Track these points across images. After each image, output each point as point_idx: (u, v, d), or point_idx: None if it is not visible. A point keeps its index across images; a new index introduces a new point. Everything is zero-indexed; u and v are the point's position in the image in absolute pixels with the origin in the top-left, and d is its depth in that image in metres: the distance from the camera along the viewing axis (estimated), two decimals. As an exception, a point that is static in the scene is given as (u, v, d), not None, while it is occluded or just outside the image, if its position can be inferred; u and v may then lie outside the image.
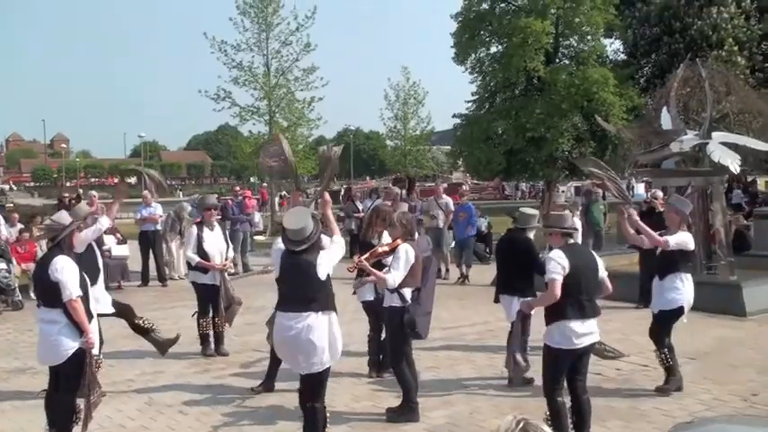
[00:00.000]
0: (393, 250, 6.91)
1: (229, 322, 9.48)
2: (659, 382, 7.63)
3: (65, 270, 5.99)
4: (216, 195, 17.54)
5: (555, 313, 5.84)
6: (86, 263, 7.82)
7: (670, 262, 7.61)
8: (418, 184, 44.01)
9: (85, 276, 6.31)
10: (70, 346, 5.98)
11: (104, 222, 8.12)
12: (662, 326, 7.68)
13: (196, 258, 9.31)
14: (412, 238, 7.08)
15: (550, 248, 6.28)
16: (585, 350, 5.95)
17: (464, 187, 28.00)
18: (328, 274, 5.73)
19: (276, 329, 5.91)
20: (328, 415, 6.03)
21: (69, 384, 6.10)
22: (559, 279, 5.74)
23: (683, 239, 7.56)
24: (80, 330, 6.00)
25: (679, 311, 7.60)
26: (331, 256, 5.81)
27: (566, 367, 5.88)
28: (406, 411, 6.84)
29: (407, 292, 6.86)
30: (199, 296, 9.49)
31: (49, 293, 6.04)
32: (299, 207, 6.49)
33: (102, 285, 8.12)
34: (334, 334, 5.75)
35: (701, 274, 12.78)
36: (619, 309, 11.31)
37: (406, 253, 6.81)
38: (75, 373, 6.05)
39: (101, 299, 7.89)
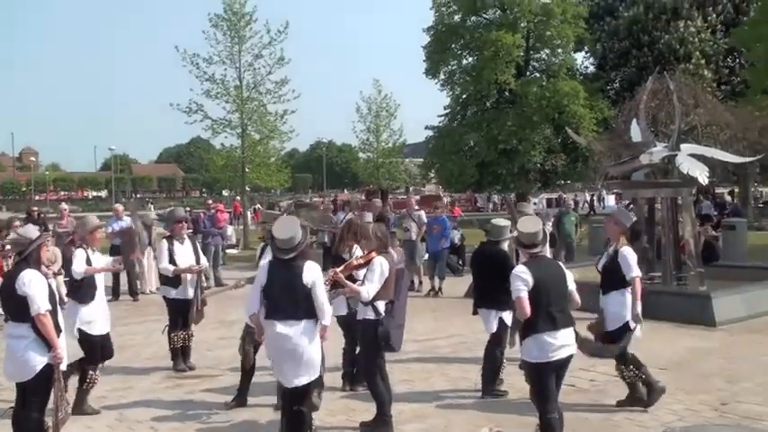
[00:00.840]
0: (368, 263, 6.90)
1: (195, 322, 9.37)
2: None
3: (32, 284, 5.90)
4: (187, 208, 17.42)
5: (527, 327, 5.84)
6: (85, 280, 7.79)
7: (611, 278, 7.47)
8: (391, 197, 44.02)
9: (54, 291, 6.23)
10: (38, 361, 5.89)
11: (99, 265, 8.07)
12: (609, 342, 7.45)
13: (171, 268, 9.21)
14: (386, 250, 7.08)
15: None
16: (563, 363, 5.93)
17: (444, 200, 28.03)
18: (314, 283, 5.81)
19: (270, 340, 5.87)
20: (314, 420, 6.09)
21: (36, 401, 6.00)
22: (524, 295, 5.73)
23: (627, 259, 7.37)
24: (48, 345, 5.91)
25: (625, 327, 7.39)
26: (319, 273, 5.91)
27: (551, 381, 5.84)
28: (380, 425, 6.81)
29: (381, 305, 6.84)
30: (170, 310, 9.40)
31: (17, 308, 5.95)
32: (287, 216, 6.67)
33: (104, 302, 8.06)
34: (319, 343, 5.95)
35: (671, 285, 12.93)
36: (591, 320, 11.34)
37: (381, 265, 6.80)
38: (42, 389, 5.98)
39: (100, 319, 7.84)
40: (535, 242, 6.01)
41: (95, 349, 7.76)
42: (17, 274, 5.99)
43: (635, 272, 7.31)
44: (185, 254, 9.38)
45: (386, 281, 6.83)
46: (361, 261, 7.04)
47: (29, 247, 6.14)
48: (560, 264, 6.30)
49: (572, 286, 6.08)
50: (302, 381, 5.85)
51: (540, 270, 5.86)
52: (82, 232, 8.24)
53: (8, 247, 7.26)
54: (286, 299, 5.76)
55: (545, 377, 5.85)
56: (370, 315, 6.81)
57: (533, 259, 5.99)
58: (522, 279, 5.78)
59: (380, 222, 9.75)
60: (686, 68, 34.50)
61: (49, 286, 6.10)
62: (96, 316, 7.81)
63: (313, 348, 5.83)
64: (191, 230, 15.64)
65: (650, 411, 7.25)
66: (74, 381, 7.73)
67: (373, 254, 6.95)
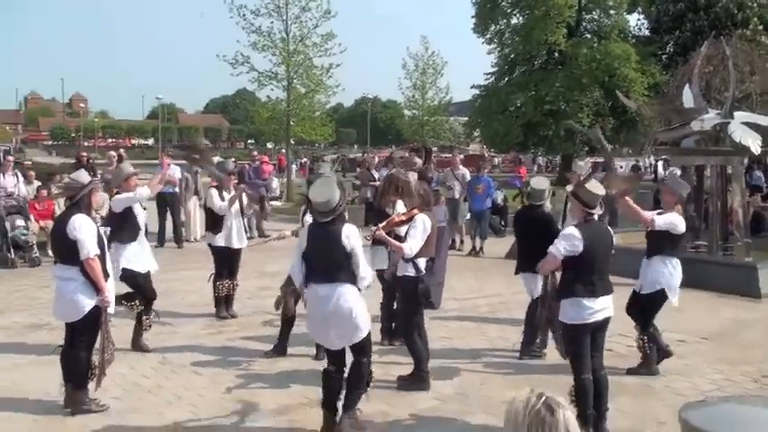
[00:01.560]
0: (410, 219, 6.91)
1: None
2: (670, 360, 7.59)
3: (82, 228, 6.06)
4: (233, 159, 17.53)
5: (566, 291, 5.84)
6: (128, 222, 7.92)
7: (656, 243, 7.42)
8: (435, 155, 43.87)
9: (103, 236, 6.37)
10: (86, 303, 6.07)
11: (143, 193, 8.20)
12: (644, 308, 7.49)
13: (224, 204, 9.40)
14: (429, 208, 7.09)
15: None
16: (600, 325, 5.91)
17: (495, 160, 27.67)
18: (353, 247, 5.65)
19: (311, 304, 5.77)
20: (372, 370, 6.09)
21: (84, 340, 6.20)
22: (560, 257, 5.76)
23: (672, 221, 7.31)
24: (96, 289, 6.07)
25: (660, 295, 7.38)
26: (357, 236, 5.77)
27: (586, 342, 5.84)
28: (417, 380, 6.89)
29: (422, 262, 6.87)
30: (216, 259, 9.56)
31: (67, 251, 6.12)
32: (324, 178, 6.45)
33: (146, 244, 8.24)
34: (363, 304, 5.78)
35: (717, 255, 12.75)
36: (631, 286, 11.28)
37: (423, 222, 6.81)
38: (90, 329, 6.18)
39: (144, 257, 8.02)
40: (596, 204, 5.94)
41: (142, 286, 7.94)
42: (68, 219, 6.13)
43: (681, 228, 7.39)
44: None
45: (428, 238, 6.85)
46: (403, 218, 7.05)
47: (80, 192, 6.28)
48: (609, 229, 6.21)
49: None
50: (345, 343, 5.76)
51: (592, 234, 5.80)
52: (117, 180, 8.36)
53: (58, 191, 7.42)
54: (326, 262, 5.64)
55: (581, 338, 5.84)
56: (411, 272, 6.85)
57: (586, 222, 5.89)
58: (571, 243, 5.72)
59: (422, 180, 9.76)
60: (743, 34, 33.42)
61: (98, 231, 6.25)
62: (140, 254, 7.98)
63: (357, 310, 5.65)
64: (236, 182, 15.83)
65: (689, 380, 7.23)
66: (126, 321, 7.93)
67: (415, 211, 6.96)
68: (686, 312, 9.92)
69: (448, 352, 8.04)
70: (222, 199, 9.45)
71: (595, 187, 5.98)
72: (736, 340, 8.83)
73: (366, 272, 5.80)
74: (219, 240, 9.44)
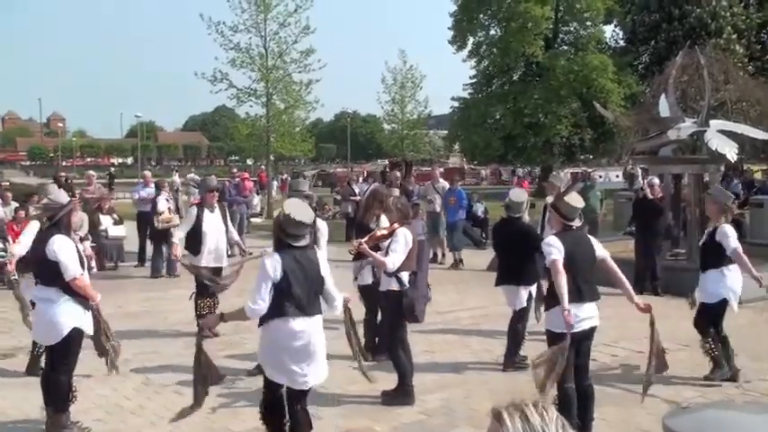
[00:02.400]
0: (391, 234, 6.93)
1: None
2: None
3: (63, 249, 6.03)
4: (214, 176, 17.49)
5: (553, 298, 5.86)
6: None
7: (710, 256, 7.66)
8: (415, 168, 43.97)
9: (83, 255, 6.37)
10: (65, 325, 6.03)
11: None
12: (703, 317, 7.75)
13: (180, 235, 9.58)
14: (408, 221, 7.11)
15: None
16: (586, 334, 5.94)
17: (482, 173, 27.81)
18: (327, 272, 5.40)
19: (282, 339, 5.16)
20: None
21: (65, 363, 6.13)
22: (559, 258, 5.74)
23: (726, 233, 7.53)
24: (83, 304, 6.12)
25: (722, 304, 7.65)
26: (325, 257, 5.55)
27: (571, 352, 5.87)
28: (401, 395, 6.88)
29: (405, 276, 6.88)
30: (196, 278, 9.51)
31: (47, 271, 6.09)
32: (296, 199, 6.06)
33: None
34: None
35: (696, 262, 12.82)
36: (614, 295, 11.32)
37: (405, 236, 6.83)
38: (70, 352, 6.12)
39: None
40: (575, 217, 6.00)
41: None
42: (48, 239, 6.10)
43: (734, 244, 7.48)
44: (215, 222, 9.50)
45: (409, 252, 6.87)
46: (385, 232, 7.07)
47: (59, 212, 6.24)
48: (589, 236, 6.27)
49: (603, 253, 6.09)
50: (317, 380, 5.38)
51: (571, 242, 5.86)
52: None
53: (36, 212, 7.39)
54: (305, 292, 5.18)
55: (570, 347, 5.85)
56: (394, 286, 6.85)
57: (564, 231, 5.97)
58: (555, 247, 5.79)
59: (402, 194, 9.80)
60: (717, 43, 33.87)
61: (78, 251, 6.22)
62: None
63: (323, 344, 5.35)
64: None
65: (672, 387, 7.26)
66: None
67: (396, 225, 6.98)
68: (667, 320, 9.95)
69: (431, 365, 8.03)
70: (202, 217, 9.39)
71: (574, 200, 6.03)
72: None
73: (339, 295, 5.56)
74: (199, 260, 9.39)
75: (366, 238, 7.03)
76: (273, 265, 5.14)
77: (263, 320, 5.21)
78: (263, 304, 5.08)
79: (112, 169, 19.28)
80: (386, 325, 7.24)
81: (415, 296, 6.88)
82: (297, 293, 5.14)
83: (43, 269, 6.15)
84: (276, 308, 5.12)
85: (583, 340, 5.95)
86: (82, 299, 6.15)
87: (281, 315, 5.13)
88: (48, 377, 6.18)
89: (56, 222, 6.24)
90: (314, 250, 5.44)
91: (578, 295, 5.81)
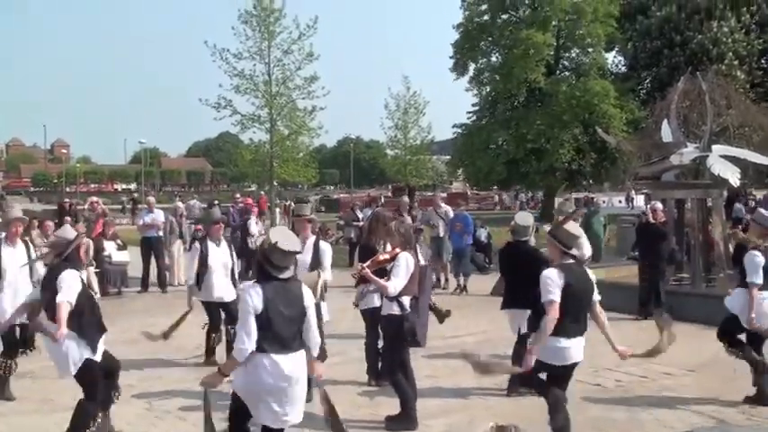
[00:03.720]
0: (393, 258, 6.94)
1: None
2: (657, 393, 7.65)
3: (66, 279, 6.04)
4: (216, 201, 17.56)
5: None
6: None
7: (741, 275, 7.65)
8: (418, 194, 44.04)
9: (93, 296, 6.43)
10: (77, 357, 6.07)
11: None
12: (752, 340, 7.71)
13: (191, 275, 9.30)
14: (410, 246, 7.12)
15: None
16: (572, 368, 6.01)
17: (496, 197, 27.91)
18: (309, 306, 5.15)
19: (261, 375, 4.91)
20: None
21: (87, 393, 6.18)
22: (557, 300, 5.69)
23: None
24: (94, 335, 6.13)
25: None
26: (309, 291, 5.31)
27: (567, 380, 5.94)
28: (404, 419, 6.85)
29: (406, 301, 6.89)
30: (209, 312, 9.38)
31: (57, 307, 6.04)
32: (283, 227, 6.08)
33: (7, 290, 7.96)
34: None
35: (700, 287, 12.83)
36: (618, 320, 11.32)
37: (406, 261, 6.85)
38: (89, 382, 6.16)
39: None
40: (573, 245, 6.00)
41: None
42: (57, 274, 6.10)
43: (752, 278, 7.40)
44: (221, 256, 9.32)
45: (411, 276, 6.87)
46: (387, 256, 7.08)
47: (67, 248, 6.27)
48: (589, 271, 6.20)
49: (597, 297, 6.05)
50: (295, 419, 5.15)
51: (572, 276, 5.82)
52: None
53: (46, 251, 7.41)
54: (285, 326, 4.94)
55: (552, 375, 5.95)
56: (396, 310, 6.86)
57: (565, 264, 5.90)
58: (555, 283, 5.72)
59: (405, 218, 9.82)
60: (719, 69, 34.06)
61: (83, 285, 6.24)
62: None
63: (305, 381, 5.19)
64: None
65: (676, 412, 7.23)
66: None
67: (397, 250, 6.99)
68: (672, 345, 9.94)
69: (435, 391, 8.01)
70: (207, 252, 9.28)
71: (573, 228, 6.04)
72: (722, 372, 8.83)
73: (318, 335, 5.30)
74: (202, 294, 9.29)
75: (369, 262, 7.04)
76: (254, 297, 4.90)
77: None
78: (249, 343, 4.85)
79: (135, 194, 19.67)
80: (387, 350, 7.23)
81: (416, 320, 6.89)
82: (279, 328, 4.90)
83: (53, 305, 6.07)
84: (257, 343, 4.88)
85: (570, 372, 6.01)
86: (93, 330, 6.18)
87: (262, 350, 4.89)
88: (79, 403, 6.22)
89: (65, 258, 6.25)
90: (298, 282, 5.20)
91: (575, 331, 5.82)
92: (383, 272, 7.15)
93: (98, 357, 6.25)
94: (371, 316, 8.02)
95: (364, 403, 7.62)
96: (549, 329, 5.68)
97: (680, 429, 6.73)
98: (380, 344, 7.79)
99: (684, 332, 10.50)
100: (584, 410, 7.22)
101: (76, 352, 6.05)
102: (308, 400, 7.27)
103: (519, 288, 7.92)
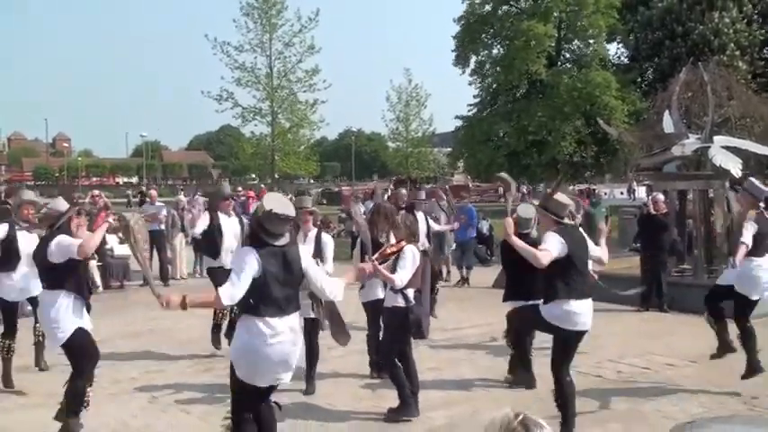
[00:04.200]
0: (399, 251, 6.94)
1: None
2: (659, 384, 7.67)
3: (62, 242, 6.14)
4: (227, 183, 17.60)
5: (555, 293, 6.01)
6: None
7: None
8: (418, 186, 44.03)
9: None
10: (68, 327, 6.10)
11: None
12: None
13: (197, 231, 9.53)
14: (415, 239, 7.14)
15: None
16: (581, 334, 6.16)
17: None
18: (308, 264, 5.15)
19: (259, 338, 4.91)
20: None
21: (77, 367, 6.18)
22: (554, 253, 5.86)
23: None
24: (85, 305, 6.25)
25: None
26: (310, 257, 5.32)
27: (574, 348, 6.04)
28: (404, 408, 6.85)
29: (411, 293, 6.91)
30: (215, 283, 9.36)
31: (51, 274, 6.21)
32: (276, 194, 6.08)
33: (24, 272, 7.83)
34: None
35: (702, 278, 12.82)
36: (619, 312, 11.35)
37: (412, 253, 6.87)
38: (78, 354, 6.18)
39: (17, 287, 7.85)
40: (565, 214, 6.21)
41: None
42: (48, 242, 6.23)
43: (742, 238, 7.44)
44: (231, 226, 9.46)
45: (415, 269, 6.89)
46: (394, 249, 7.07)
47: (59, 219, 6.38)
48: (582, 232, 6.48)
49: (595, 251, 6.38)
50: (287, 379, 5.22)
51: (570, 239, 6.03)
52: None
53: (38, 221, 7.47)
54: (281, 289, 4.93)
55: (571, 345, 6.16)
56: (401, 302, 6.87)
57: (562, 228, 6.11)
58: (560, 242, 5.92)
59: (410, 211, 9.84)
60: (720, 60, 33.96)
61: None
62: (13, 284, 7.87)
63: (302, 341, 5.25)
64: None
65: (678, 403, 7.24)
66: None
67: (403, 242, 7.00)
68: (674, 336, 9.97)
69: (438, 382, 8.03)
70: (217, 221, 9.36)
71: (562, 198, 6.21)
72: (724, 362, 8.83)
73: (335, 283, 5.31)
74: (217, 262, 9.26)
75: (377, 255, 7.05)
76: (251, 257, 4.85)
77: (238, 318, 5.10)
78: (238, 291, 4.80)
79: (144, 188, 19.71)
80: (388, 341, 7.23)
81: (421, 312, 6.92)
82: (275, 292, 4.88)
83: (47, 272, 6.24)
84: (252, 307, 4.89)
85: (579, 339, 6.17)
86: (84, 293, 6.28)
87: (258, 314, 4.88)
88: (69, 381, 6.21)
89: (58, 228, 6.35)
90: (296, 246, 5.19)
91: (580, 293, 6.00)
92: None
93: (88, 326, 6.29)
94: (373, 308, 8.03)
95: (366, 395, 7.64)
96: (526, 254, 5.94)
97: (682, 420, 6.72)
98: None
99: (686, 323, 10.55)
100: (585, 402, 7.24)
101: (68, 320, 6.09)
102: (311, 392, 7.34)
103: (520, 281, 7.94)
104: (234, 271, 4.91)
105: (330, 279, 5.34)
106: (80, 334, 6.15)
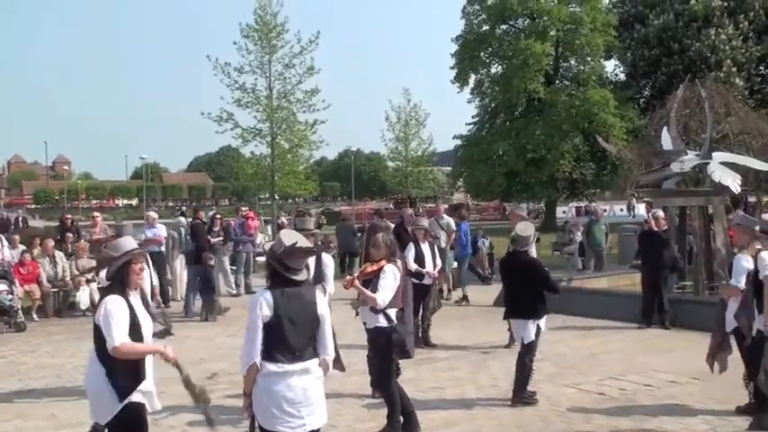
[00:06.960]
0: (379, 270, 6.90)
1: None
2: (662, 402, 7.63)
3: (110, 313, 5.00)
4: (218, 215, 17.54)
5: None
6: None
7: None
8: (418, 205, 44.05)
9: (141, 321, 5.27)
10: (115, 404, 5.06)
11: None
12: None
13: None
14: (395, 258, 7.09)
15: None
16: None
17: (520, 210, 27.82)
18: (325, 314, 4.90)
19: (276, 385, 4.70)
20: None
21: None
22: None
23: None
24: (139, 373, 5.27)
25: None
26: (329, 294, 5.31)
27: None
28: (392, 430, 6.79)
29: (393, 313, 6.85)
30: None
31: (97, 340, 5.08)
32: (288, 230, 5.61)
33: None
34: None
35: (703, 294, 12.81)
36: (621, 329, 11.32)
37: (393, 273, 6.82)
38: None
39: None
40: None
41: None
42: (100, 303, 5.19)
43: (735, 279, 7.13)
44: None
45: (396, 288, 6.85)
46: (374, 268, 7.02)
47: (112, 264, 5.21)
48: None
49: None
50: (317, 423, 4.85)
51: None
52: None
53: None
54: (298, 335, 4.72)
55: None
56: (383, 323, 6.81)
57: None
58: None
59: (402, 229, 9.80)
60: (717, 76, 34.12)
61: (134, 315, 5.17)
62: None
63: (321, 388, 4.89)
64: (221, 239, 15.81)
65: (681, 420, 7.21)
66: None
67: (383, 262, 6.94)
68: (676, 353, 9.94)
69: (440, 402, 7.99)
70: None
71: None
72: (727, 379, 8.79)
73: (332, 346, 5.01)
74: None
75: (357, 274, 7.03)
76: (262, 305, 4.68)
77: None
78: (252, 355, 4.66)
79: (184, 208, 19.88)
80: (378, 362, 7.16)
81: (405, 332, 6.87)
82: (290, 337, 4.68)
83: (95, 336, 5.10)
84: (267, 352, 4.68)
85: None
86: (138, 368, 5.28)
87: (273, 360, 4.67)
88: None
89: (111, 279, 5.20)
90: (312, 287, 5.01)
91: None
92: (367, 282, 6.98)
93: (150, 402, 5.47)
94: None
95: (367, 416, 7.60)
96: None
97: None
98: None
99: (688, 339, 10.52)
100: (588, 419, 7.21)
101: (112, 397, 5.05)
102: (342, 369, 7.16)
103: (520, 298, 7.94)
104: (249, 327, 4.72)
105: (331, 342, 4.97)
106: (130, 414, 5.20)
